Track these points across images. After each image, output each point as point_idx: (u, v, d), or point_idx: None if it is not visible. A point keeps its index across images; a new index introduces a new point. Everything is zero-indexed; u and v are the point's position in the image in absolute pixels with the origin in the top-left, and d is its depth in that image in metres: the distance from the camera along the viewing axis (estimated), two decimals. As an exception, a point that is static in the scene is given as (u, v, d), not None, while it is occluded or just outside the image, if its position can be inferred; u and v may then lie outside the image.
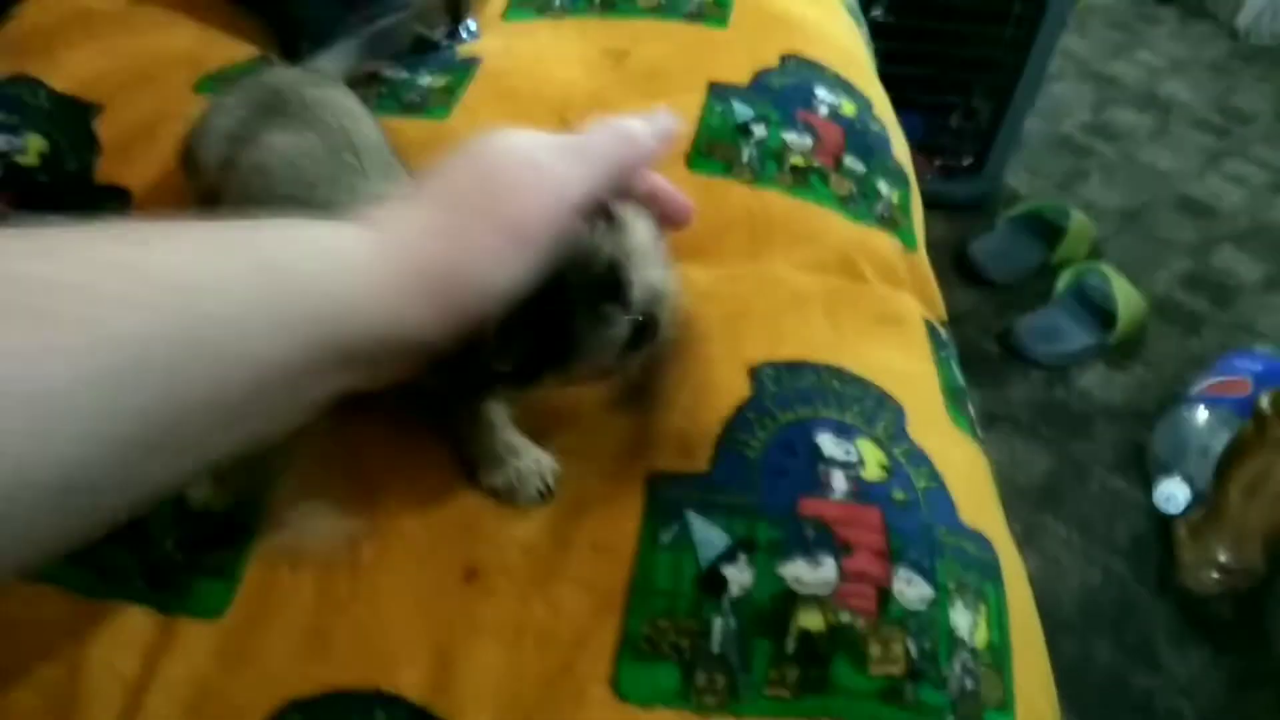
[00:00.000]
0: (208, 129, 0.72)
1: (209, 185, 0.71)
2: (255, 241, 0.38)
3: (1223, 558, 1.46)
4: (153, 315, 0.32)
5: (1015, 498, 1.61)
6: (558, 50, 0.99)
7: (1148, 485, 1.62)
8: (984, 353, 1.89)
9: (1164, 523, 1.57)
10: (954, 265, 2.09)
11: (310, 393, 0.40)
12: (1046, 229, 2.11)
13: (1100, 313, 1.92)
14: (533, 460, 0.59)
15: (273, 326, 0.36)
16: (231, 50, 0.96)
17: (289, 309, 0.37)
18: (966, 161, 2.21)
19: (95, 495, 0.32)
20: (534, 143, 0.47)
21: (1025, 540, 1.55)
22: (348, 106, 0.72)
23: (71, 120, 0.85)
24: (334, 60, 0.84)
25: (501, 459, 0.59)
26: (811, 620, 0.54)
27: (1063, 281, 1.98)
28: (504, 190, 0.44)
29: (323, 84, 0.75)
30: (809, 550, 0.56)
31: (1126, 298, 1.89)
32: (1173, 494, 1.57)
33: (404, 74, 0.91)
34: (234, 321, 0.35)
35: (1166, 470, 1.61)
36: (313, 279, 0.38)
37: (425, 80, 0.91)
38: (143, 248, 0.34)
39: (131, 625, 0.51)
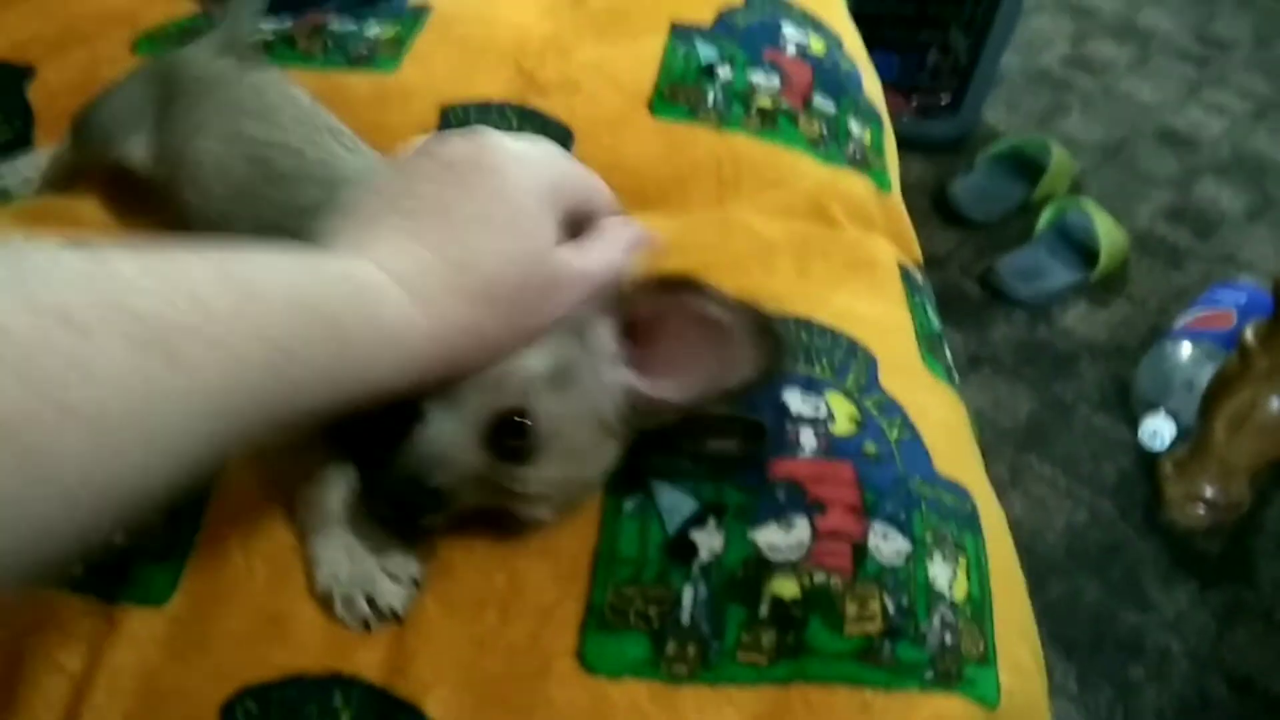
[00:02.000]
0: (119, 118, 0.72)
1: (132, 171, 0.71)
2: (330, 308, 0.40)
3: (1209, 493, 1.45)
4: (242, 367, 0.35)
5: (999, 439, 1.60)
6: (512, -7, 0.95)
7: (1133, 422, 1.61)
8: (965, 294, 1.87)
9: (1149, 460, 1.56)
10: (933, 206, 2.06)
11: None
12: (1027, 166, 2.08)
13: (1082, 249, 1.90)
14: (371, 573, 0.51)
15: (330, 390, 0.40)
16: (171, 7, 0.92)
17: (347, 382, 0.41)
18: (944, 100, 2.17)
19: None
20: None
21: (1010, 482, 1.54)
22: (288, 90, 0.70)
23: (2, 87, 0.82)
24: (236, 26, 0.80)
25: (329, 558, 0.51)
26: (785, 588, 0.52)
27: (1044, 219, 1.95)
28: (540, 300, 0.48)
29: (250, 65, 0.73)
30: (780, 512, 0.54)
31: (1108, 233, 1.86)
32: (1158, 430, 1.56)
33: (350, 25, 0.88)
34: (300, 381, 0.38)
35: (1151, 406, 1.59)
36: (373, 360, 0.42)
37: (373, 31, 0.87)
38: (235, 294, 0.36)
39: (72, 615, 0.49)
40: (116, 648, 0.48)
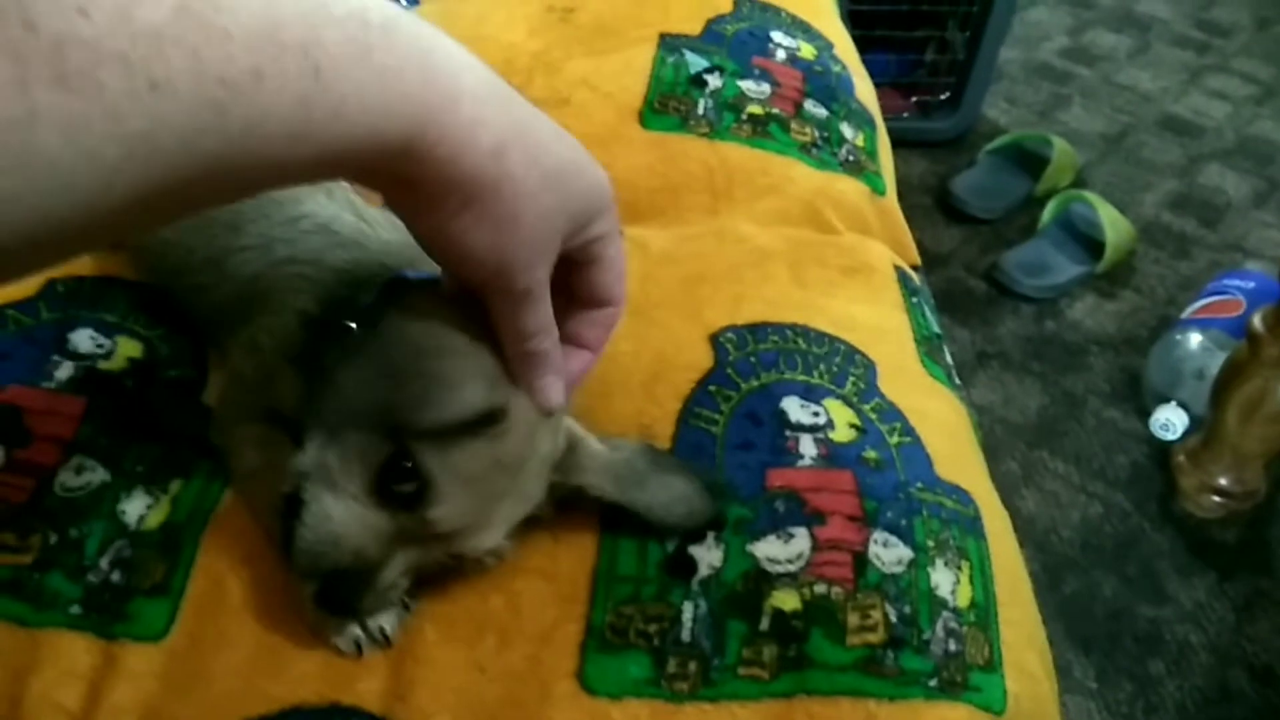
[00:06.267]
0: None
1: None
2: (313, 41, 0.33)
3: (1223, 482, 1.44)
4: (164, 98, 0.29)
5: (1010, 435, 1.59)
6: (500, 10, 0.95)
7: (1144, 414, 1.60)
8: (972, 291, 1.86)
9: (1162, 451, 1.54)
10: (936, 204, 2.05)
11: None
12: (1029, 160, 2.07)
13: (1088, 241, 1.88)
14: None
15: (291, 140, 0.34)
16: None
17: (311, 133, 0.34)
18: (943, 96, 2.16)
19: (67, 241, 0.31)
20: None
21: (1023, 478, 1.52)
22: None
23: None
24: None
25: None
26: (786, 600, 0.51)
27: (1048, 212, 1.94)
28: (529, 245, 0.43)
29: None
30: (779, 525, 0.54)
31: (1114, 224, 1.85)
32: (1169, 421, 1.54)
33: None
34: (252, 123, 0.32)
35: (1162, 397, 1.58)
36: (351, 104, 0.35)
37: (362, 54, 0.87)
38: (175, 10, 0.30)
39: (71, 654, 0.49)
40: (116, 685, 0.48)
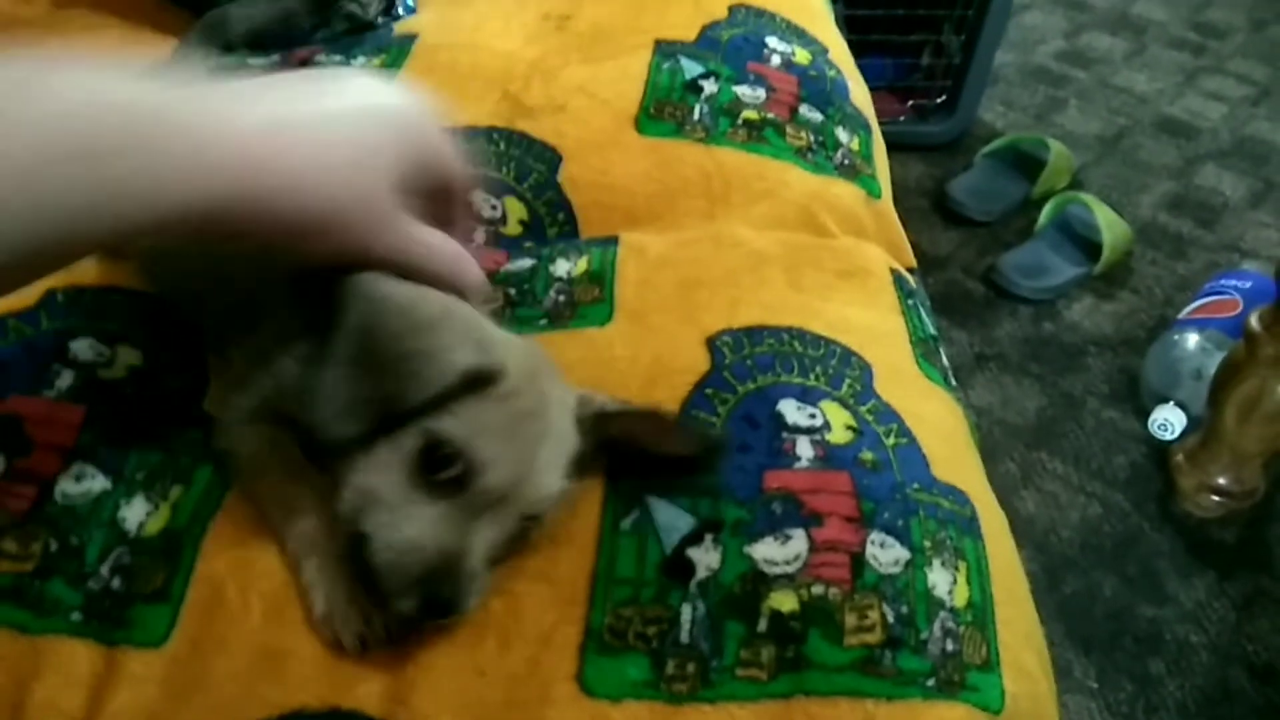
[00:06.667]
0: None
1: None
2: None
3: (1221, 481, 1.44)
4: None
5: (1009, 437, 1.59)
6: (497, 19, 0.96)
7: (1143, 414, 1.60)
8: (970, 293, 1.86)
9: (1161, 451, 1.55)
10: (934, 206, 2.05)
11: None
12: (1026, 162, 2.08)
13: (1085, 243, 1.89)
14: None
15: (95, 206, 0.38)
16: (162, 47, 0.93)
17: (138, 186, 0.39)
18: (939, 100, 2.17)
19: None
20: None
21: (1022, 479, 1.53)
22: None
23: None
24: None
25: (325, 581, 0.51)
26: (783, 601, 0.52)
27: (1045, 214, 1.95)
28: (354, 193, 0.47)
29: None
30: (777, 526, 0.54)
31: (1110, 226, 1.86)
32: (1168, 421, 1.55)
33: (338, 58, 0.88)
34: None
35: (1160, 397, 1.59)
36: (168, 161, 0.40)
37: (360, 62, 0.88)
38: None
39: (73, 661, 0.49)
40: (117, 691, 0.48)
